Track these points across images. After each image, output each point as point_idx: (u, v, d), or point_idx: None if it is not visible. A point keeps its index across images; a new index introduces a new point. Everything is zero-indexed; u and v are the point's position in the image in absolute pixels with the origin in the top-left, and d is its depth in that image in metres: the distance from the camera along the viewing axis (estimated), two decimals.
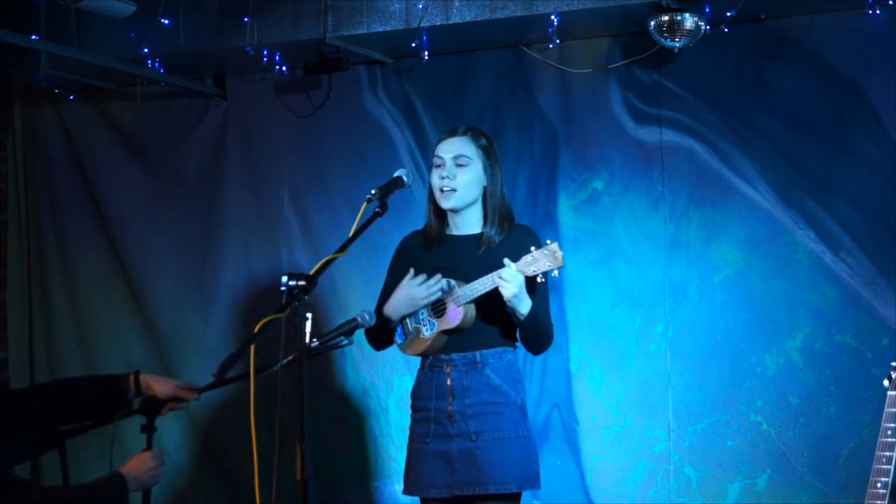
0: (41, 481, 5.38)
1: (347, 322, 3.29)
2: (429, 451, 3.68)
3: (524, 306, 3.56)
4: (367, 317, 3.29)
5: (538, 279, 3.52)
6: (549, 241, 3.53)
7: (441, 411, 3.67)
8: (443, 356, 3.69)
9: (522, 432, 3.67)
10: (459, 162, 3.70)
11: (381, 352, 4.07)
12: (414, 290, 3.66)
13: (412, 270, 3.71)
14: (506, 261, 3.52)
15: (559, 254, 3.49)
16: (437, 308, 3.69)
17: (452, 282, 3.65)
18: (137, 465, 3.27)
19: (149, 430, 3.35)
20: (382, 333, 3.79)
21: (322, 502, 5.01)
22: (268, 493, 2.88)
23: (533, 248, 3.51)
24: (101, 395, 3.36)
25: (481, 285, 3.58)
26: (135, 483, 3.25)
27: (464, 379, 3.66)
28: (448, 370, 3.68)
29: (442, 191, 3.70)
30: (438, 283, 3.65)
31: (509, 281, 3.50)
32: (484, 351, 3.67)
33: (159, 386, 3.37)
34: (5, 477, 3.11)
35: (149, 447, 3.33)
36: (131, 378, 3.37)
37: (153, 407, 3.36)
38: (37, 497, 3.05)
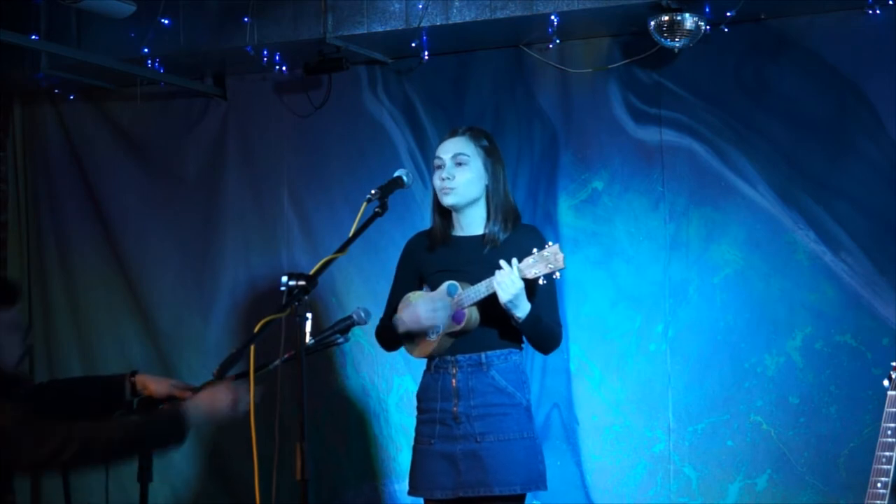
0: (41, 481, 5.37)
1: (343, 320, 3.28)
2: (434, 452, 3.68)
3: (520, 310, 3.55)
4: (363, 314, 3.29)
5: (539, 281, 3.52)
6: (549, 243, 3.52)
7: (446, 412, 3.66)
8: (448, 357, 3.68)
9: (528, 434, 3.66)
10: (458, 160, 3.70)
11: (381, 351, 4.08)
12: (421, 314, 3.65)
13: (426, 287, 3.71)
14: (503, 264, 3.52)
15: (560, 256, 3.47)
16: None
17: (457, 284, 3.65)
18: (207, 396, 3.08)
19: None
20: (392, 339, 3.80)
21: (322, 502, 5.01)
22: (268, 493, 2.87)
23: (535, 250, 3.51)
24: (98, 396, 3.37)
25: (483, 288, 3.57)
26: (200, 414, 3.04)
27: (469, 380, 3.65)
28: (454, 371, 3.67)
29: (442, 189, 3.71)
30: (446, 307, 3.63)
31: (508, 285, 3.49)
32: (489, 352, 3.66)
33: (156, 386, 3.37)
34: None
35: None
36: (128, 378, 3.37)
37: (150, 407, 3.36)
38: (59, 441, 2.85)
